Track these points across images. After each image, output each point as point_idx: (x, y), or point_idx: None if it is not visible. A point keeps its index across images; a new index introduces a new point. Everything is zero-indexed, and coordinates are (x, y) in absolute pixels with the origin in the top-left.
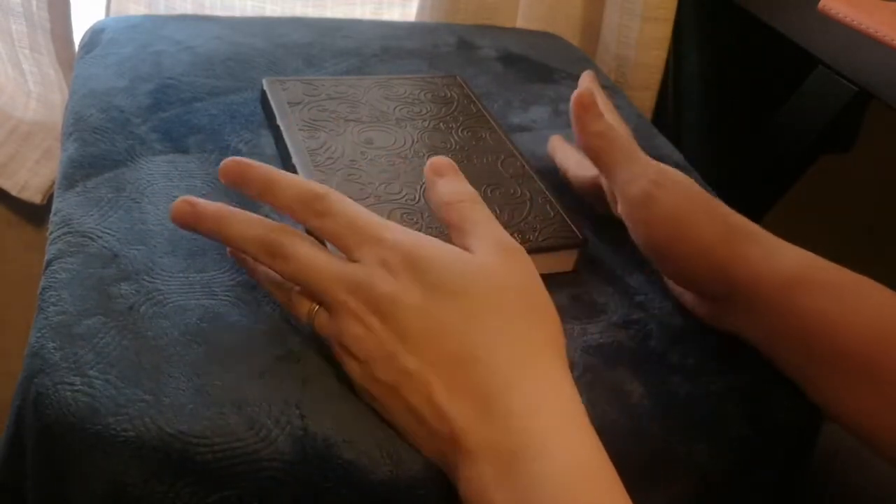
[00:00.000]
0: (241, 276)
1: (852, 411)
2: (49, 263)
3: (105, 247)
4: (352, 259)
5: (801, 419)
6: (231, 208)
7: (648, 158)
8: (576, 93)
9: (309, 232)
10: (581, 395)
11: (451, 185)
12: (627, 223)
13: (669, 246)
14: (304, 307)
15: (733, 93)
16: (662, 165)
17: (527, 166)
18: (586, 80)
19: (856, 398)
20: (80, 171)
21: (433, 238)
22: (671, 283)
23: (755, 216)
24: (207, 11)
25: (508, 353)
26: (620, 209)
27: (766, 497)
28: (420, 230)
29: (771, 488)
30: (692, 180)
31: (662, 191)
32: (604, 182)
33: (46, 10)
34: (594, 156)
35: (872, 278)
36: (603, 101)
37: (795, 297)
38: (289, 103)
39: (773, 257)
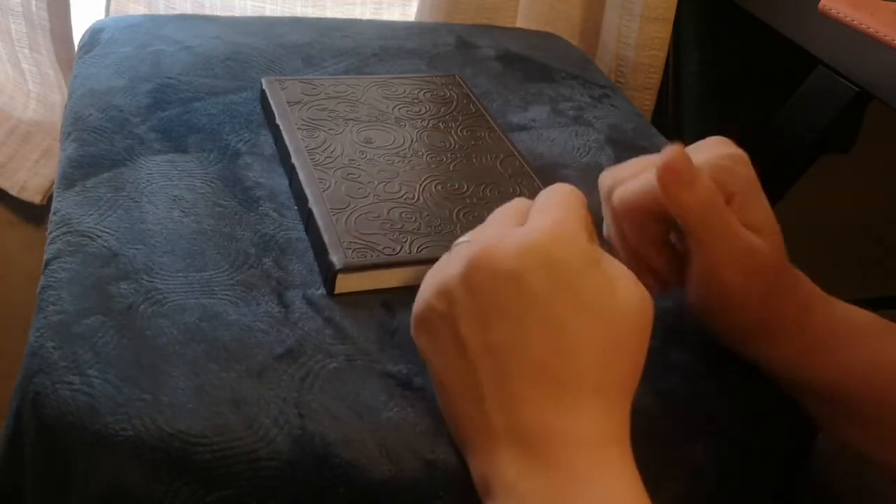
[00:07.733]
0: (241, 275)
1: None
2: (48, 263)
3: (104, 246)
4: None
5: (801, 420)
6: None
7: (744, 234)
8: (663, 159)
9: None
10: None
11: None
12: (703, 296)
13: (748, 325)
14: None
15: (733, 93)
16: (754, 243)
17: (526, 165)
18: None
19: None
20: (79, 170)
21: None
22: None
23: None
24: (207, 11)
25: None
26: (697, 282)
27: (766, 498)
28: (419, 228)
29: (771, 489)
30: (775, 248)
31: (756, 279)
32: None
33: (46, 10)
34: (692, 227)
35: (872, 279)
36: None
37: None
38: (288, 103)
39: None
